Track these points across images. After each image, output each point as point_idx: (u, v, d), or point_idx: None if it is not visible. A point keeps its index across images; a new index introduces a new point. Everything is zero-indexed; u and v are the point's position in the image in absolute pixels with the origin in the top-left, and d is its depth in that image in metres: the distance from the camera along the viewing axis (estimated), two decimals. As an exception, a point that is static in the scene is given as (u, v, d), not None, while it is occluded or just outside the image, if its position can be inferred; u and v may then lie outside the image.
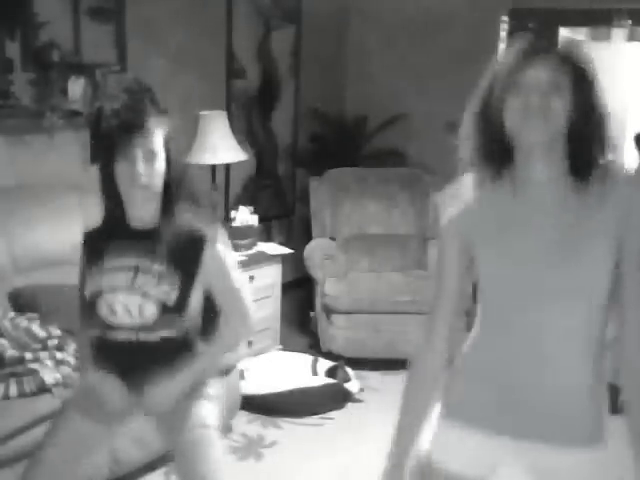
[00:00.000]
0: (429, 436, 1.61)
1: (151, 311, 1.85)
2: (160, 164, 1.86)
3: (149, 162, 1.83)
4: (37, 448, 2.00)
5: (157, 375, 1.91)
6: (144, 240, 1.90)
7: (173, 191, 1.92)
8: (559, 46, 1.48)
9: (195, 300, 1.92)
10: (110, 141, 1.85)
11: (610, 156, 1.46)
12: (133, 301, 1.86)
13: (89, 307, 1.92)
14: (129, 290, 1.87)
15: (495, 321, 1.53)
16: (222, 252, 1.94)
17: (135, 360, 1.93)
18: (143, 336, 1.88)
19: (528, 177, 1.47)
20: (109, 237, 1.94)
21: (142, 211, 1.90)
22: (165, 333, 1.89)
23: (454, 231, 1.55)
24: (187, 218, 1.94)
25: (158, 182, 1.87)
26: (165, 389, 1.90)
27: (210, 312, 2.01)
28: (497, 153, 1.48)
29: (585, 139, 1.43)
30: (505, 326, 1.50)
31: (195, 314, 1.95)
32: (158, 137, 1.86)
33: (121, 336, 1.90)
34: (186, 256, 1.89)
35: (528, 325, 1.47)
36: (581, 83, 1.42)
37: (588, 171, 1.44)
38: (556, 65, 1.41)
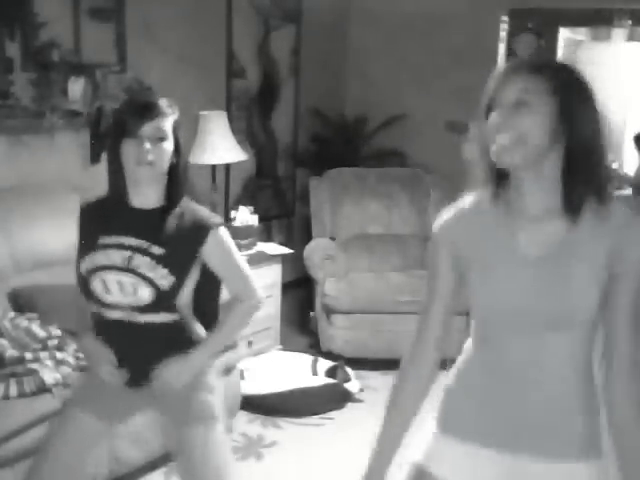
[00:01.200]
0: (424, 449, 1.59)
1: (145, 293, 1.85)
2: (168, 146, 1.87)
3: (156, 142, 1.84)
4: (42, 445, 2.00)
5: (153, 357, 1.91)
6: (145, 221, 1.90)
7: (179, 175, 1.92)
8: (536, 61, 1.42)
9: (190, 286, 1.93)
10: (121, 120, 1.87)
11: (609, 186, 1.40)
12: (127, 281, 1.85)
13: (84, 282, 1.92)
14: (124, 269, 1.86)
15: (486, 340, 1.52)
16: (226, 237, 1.95)
17: (129, 341, 1.92)
18: (136, 317, 1.88)
19: (521, 200, 1.42)
20: (108, 213, 1.93)
21: (146, 191, 1.90)
22: (157, 317, 1.89)
23: (445, 238, 1.53)
24: (191, 205, 1.95)
25: (164, 163, 1.87)
26: (176, 369, 1.91)
27: (210, 298, 2.02)
28: (496, 176, 1.44)
29: (572, 161, 1.36)
30: (496, 346, 1.49)
31: (188, 300, 1.95)
32: (167, 119, 1.87)
33: (115, 315, 1.90)
34: (187, 242, 1.89)
35: (519, 346, 1.45)
36: (562, 96, 1.34)
37: (578, 197, 1.38)
38: (525, 82, 1.34)
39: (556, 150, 1.36)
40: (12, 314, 2.83)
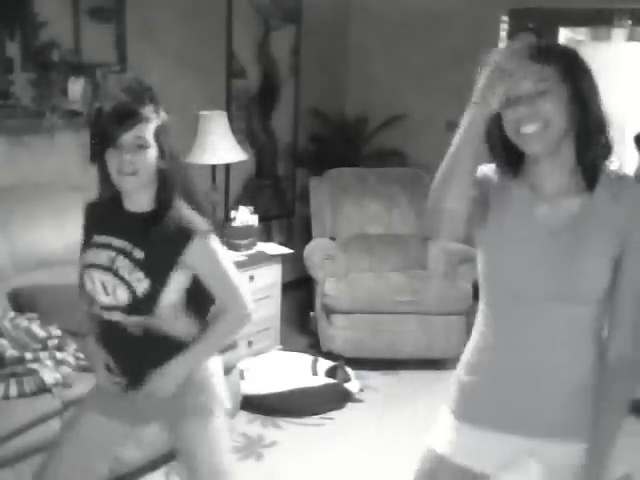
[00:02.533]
0: (440, 433, 1.63)
1: (123, 295, 1.85)
2: (150, 153, 1.84)
3: (137, 150, 1.82)
4: (52, 447, 2.01)
5: (139, 360, 1.92)
6: (134, 224, 1.90)
7: (168, 181, 1.90)
8: (543, 49, 1.46)
9: (174, 291, 1.91)
10: (102, 129, 1.86)
11: (614, 161, 1.47)
12: (109, 281, 1.87)
13: (79, 279, 1.95)
14: (107, 270, 1.87)
15: (497, 318, 1.55)
16: (212, 245, 1.92)
17: (117, 342, 1.94)
18: (117, 317, 1.89)
19: (537, 183, 1.49)
20: (105, 214, 1.95)
21: (135, 197, 1.91)
22: (136, 319, 1.89)
23: (482, 174, 1.55)
24: (181, 211, 1.92)
25: (147, 171, 1.85)
26: (158, 380, 1.91)
27: (206, 301, 2.01)
28: (508, 159, 1.51)
29: (587, 138, 1.44)
30: (507, 322, 1.52)
31: (170, 307, 1.92)
32: (148, 127, 1.84)
33: (103, 314, 1.92)
34: (168, 248, 1.87)
35: (530, 322, 1.49)
36: (572, 81, 1.41)
37: (594, 175, 1.45)
38: (539, 71, 1.41)
39: (569, 132, 1.44)
40: (12, 314, 2.83)
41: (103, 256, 1.89)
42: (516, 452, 1.56)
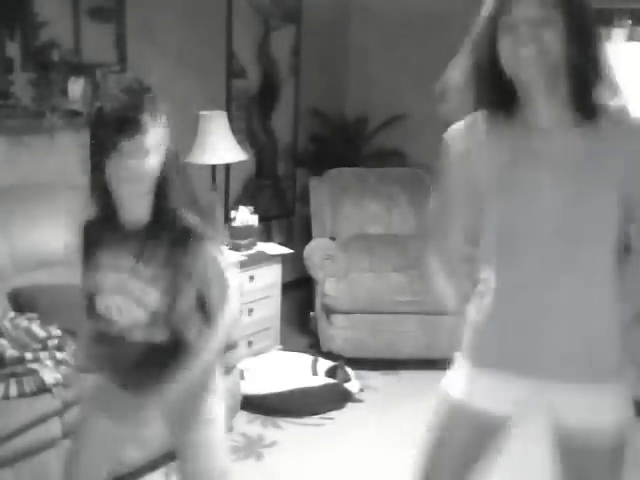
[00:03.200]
0: (456, 380, 1.64)
1: (139, 314, 1.85)
2: (152, 161, 1.80)
3: (139, 157, 1.78)
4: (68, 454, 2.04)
5: (153, 375, 1.91)
6: (136, 240, 1.86)
7: (166, 190, 1.86)
8: None
9: (187, 301, 1.91)
10: (102, 136, 1.81)
11: (615, 98, 1.47)
12: (122, 303, 1.86)
13: (88, 301, 1.93)
14: (119, 292, 1.86)
15: (505, 261, 1.54)
16: (210, 249, 1.89)
17: (129, 359, 1.93)
18: (135, 336, 1.88)
19: (533, 120, 1.48)
20: (103, 233, 1.91)
21: (133, 208, 1.86)
22: (154, 335, 1.89)
23: (458, 145, 1.57)
24: (180, 218, 1.89)
25: (148, 179, 1.81)
26: (170, 388, 1.91)
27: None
28: (500, 98, 1.50)
29: (583, 73, 1.44)
30: (516, 265, 1.52)
31: (187, 315, 1.93)
32: (152, 133, 1.80)
33: (116, 333, 1.90)
34: (176, 258, 1.85)
35: (538, 265, 1.49)
36: (571, 13, 1.42)
37: (592, 109, 1.45)
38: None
39: (565, 63, 1.44)
40: (12, 314, 2.83)
41: (110, 279, 1.86)
42: (532, 394, 1.56)
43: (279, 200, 5.06)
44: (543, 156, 1.47)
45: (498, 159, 1.50)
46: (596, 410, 1.53)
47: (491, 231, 1.55)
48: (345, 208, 4.51)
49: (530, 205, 1.47)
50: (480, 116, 1.56)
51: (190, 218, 1.89)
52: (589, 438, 1.53)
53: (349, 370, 3.73)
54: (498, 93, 1.49)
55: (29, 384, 2.49)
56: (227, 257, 2.04)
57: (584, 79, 1.44)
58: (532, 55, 1.41)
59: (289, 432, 3.34)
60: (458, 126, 1.58)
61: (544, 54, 1.40)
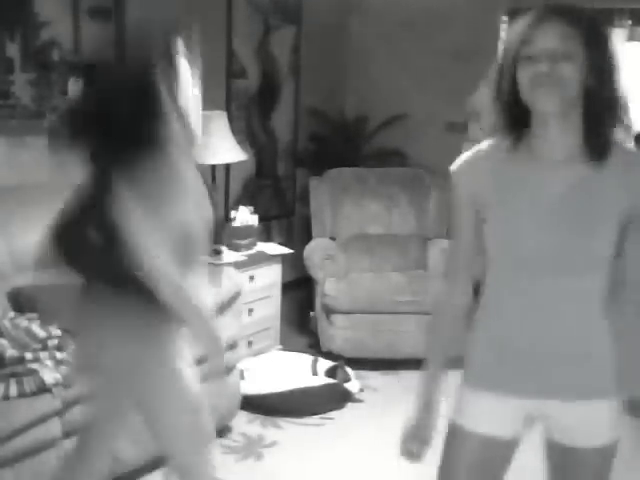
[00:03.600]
0: (457, 403, 1.64)
1: None
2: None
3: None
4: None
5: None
6: None
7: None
8: (571, 9, 1.47)
9: None
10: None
11: (625, 130, 1.48)
12: None
13: None
14: None
15: (505, 286, 1.56)
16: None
17: None
18: None
19: (543, 151, 1.50)
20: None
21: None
22: None
23: (464, 176, 1.58)
24: None
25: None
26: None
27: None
28: (515, 121, 1.51)
29: (599, 111, 1.45)
30: (515, 291, 1.54)
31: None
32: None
33: None
34: None
35: (538, 287, 1.51)
36: (592, 48, 1.42)
37: (603, 147, 1.46)
38: (565, 31, 1.41)
39: (582, 98, 1.45)
40: (12, 314, 2.83)
41: None
42: (530, 415, 1.58)
43: (279, 200, 5.06)
44: (547, 187, 1.49)
45: (503, 186, 1.52)
46: (590, 425, 1.55)
47: (491, 254, 1.58)
48: (345, 208, 4.51)
49: (530, 233, 1.50)
50: (487, 146, 1.57)
51: None
52: (583, 453, 1.56)
53: (349, 370, 3.73)
54: (514, 120, 1.51)
55: (29, 384, 2.48)
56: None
57: (599, 117, 1.45)
58: (549, 87, 1.42)
59: (289, 432, 3.34)
60: (465, 159, 1.59)
61: (562, 87, 1.41)
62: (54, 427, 2.50)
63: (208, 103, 4.06)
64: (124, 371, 1.93)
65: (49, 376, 2.52)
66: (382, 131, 5.02)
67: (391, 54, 5.16)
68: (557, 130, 1.47)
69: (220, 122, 3.85)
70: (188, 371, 2.00)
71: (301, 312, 4.61)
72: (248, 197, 4.68)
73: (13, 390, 2.45)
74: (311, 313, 4.34)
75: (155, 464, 2.85)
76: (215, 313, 2.97)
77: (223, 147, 3.83)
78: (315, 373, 3.66)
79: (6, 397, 2.43)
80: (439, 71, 4.91)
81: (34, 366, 2.55)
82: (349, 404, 3.61)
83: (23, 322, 2.76)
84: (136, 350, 1.92)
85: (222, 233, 3.98)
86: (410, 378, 3.92)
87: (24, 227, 3.07)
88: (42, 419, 2.46)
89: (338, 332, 4.03)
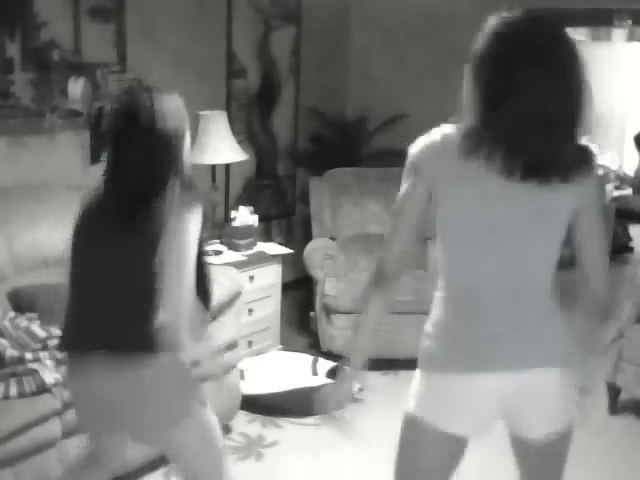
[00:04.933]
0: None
1: None
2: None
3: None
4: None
5: None
6: None
7: None
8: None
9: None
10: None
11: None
12: None
13: None
14: None
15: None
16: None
17: None
18: None
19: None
20: None
21: None
22: None
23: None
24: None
25: None
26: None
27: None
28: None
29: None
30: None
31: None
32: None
33: None
34: None
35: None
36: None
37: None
38: None
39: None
40: (12, 314, 2.83)
41: None
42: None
43: (279, 200, 5.06)
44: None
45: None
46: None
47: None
48: (345, 208, 4.51)
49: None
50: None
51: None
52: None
53: (349, 370, 3.72)
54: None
55: (29, 384, 2.48)
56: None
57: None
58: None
59: (289, 432, 3.34)
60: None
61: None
62: (54, 427, 2.50)
63: (208, 103, 4.06)
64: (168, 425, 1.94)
65: (49, 376, 2.52)
66: (382, 131, 5.02)
67: (391, 54, 5.16)
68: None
69: (220, 122, 3.85)
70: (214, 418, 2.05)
71: (301, 312, 4.60)
72: (248, 197, 4.68)
73: (13, 390, 2.46)
74: (311, 313, 4.33)
75: (155, 464, 2.85)
76: (215, 314, 2.98)
77: (223, 147, 3.83)
78: (315, 373, 3.66)
79: (6, 397, 2.44)
80: (439, 71, 4.91)
81: (34, 366, 2.55)
82: (349, 404, 3.61)
83: (23, 322, 2.76)
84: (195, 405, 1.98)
85: (222, 233, 3.98)
86: (410, 378, 3.92)
87: (24, 227, 3.08)
88: (42, 419, 2.46)
89: (338, 332, 4.03)
